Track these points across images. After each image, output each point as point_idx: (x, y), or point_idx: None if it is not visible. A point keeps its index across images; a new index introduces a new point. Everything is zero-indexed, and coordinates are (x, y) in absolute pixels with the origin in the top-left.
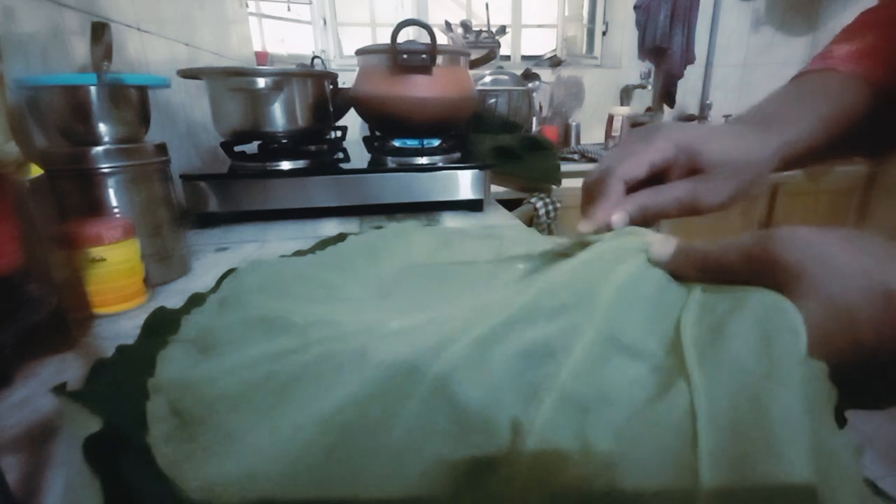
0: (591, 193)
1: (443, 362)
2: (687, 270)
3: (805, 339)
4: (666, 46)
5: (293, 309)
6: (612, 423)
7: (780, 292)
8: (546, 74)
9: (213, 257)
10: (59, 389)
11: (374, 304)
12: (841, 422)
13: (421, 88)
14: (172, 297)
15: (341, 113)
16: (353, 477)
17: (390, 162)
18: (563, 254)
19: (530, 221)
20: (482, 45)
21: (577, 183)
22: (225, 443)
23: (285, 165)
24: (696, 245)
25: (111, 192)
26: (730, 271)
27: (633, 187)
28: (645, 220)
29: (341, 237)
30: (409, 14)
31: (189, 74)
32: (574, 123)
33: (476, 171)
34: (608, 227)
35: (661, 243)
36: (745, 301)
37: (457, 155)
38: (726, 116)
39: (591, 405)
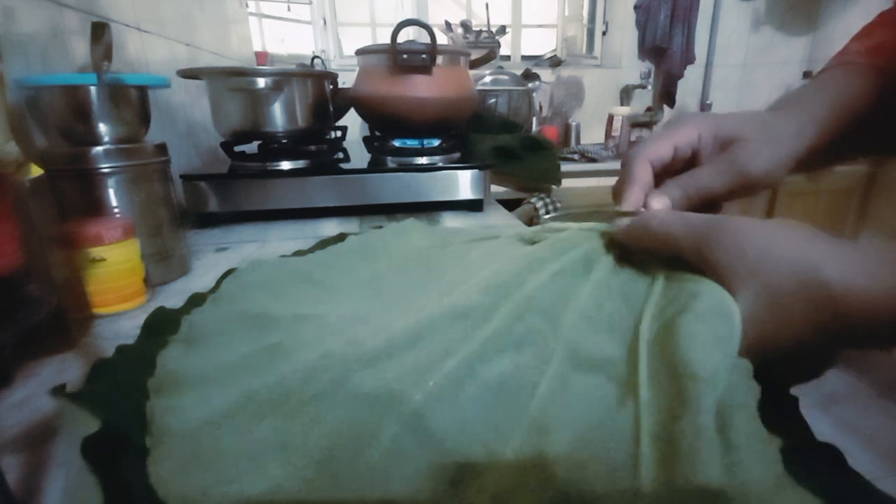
0: (622, 178)
1: (418, 398)
2: (638, 241)
3: (738, 339)
4: (666, 46)
5: (286, 307)
6: (567, 442)
7: (721, 279)
8: (546, 74)
9: (213, 257)
10: (59, 390)
11: (365, 305)
12: (791, 401)
13: (421, 88)
14: (172, 297)
15: (341, 113)
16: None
17: (390, 162)
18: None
19: (530, 221)
20: (482, 45)
21: (578, 183)
22: (204, 463)
23: (285, 165)
24: (650, 220)
25: (111, 192)
26: (679, 254)
27: (668, 176)
28: (689, 202)
29: (341, 237)
30: (409, 14)
31: (189, 74)
32: (574, 123)
33: (476, 171)
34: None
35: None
36: (696, 300)
37: (457, 155)
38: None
39: (552, 427)
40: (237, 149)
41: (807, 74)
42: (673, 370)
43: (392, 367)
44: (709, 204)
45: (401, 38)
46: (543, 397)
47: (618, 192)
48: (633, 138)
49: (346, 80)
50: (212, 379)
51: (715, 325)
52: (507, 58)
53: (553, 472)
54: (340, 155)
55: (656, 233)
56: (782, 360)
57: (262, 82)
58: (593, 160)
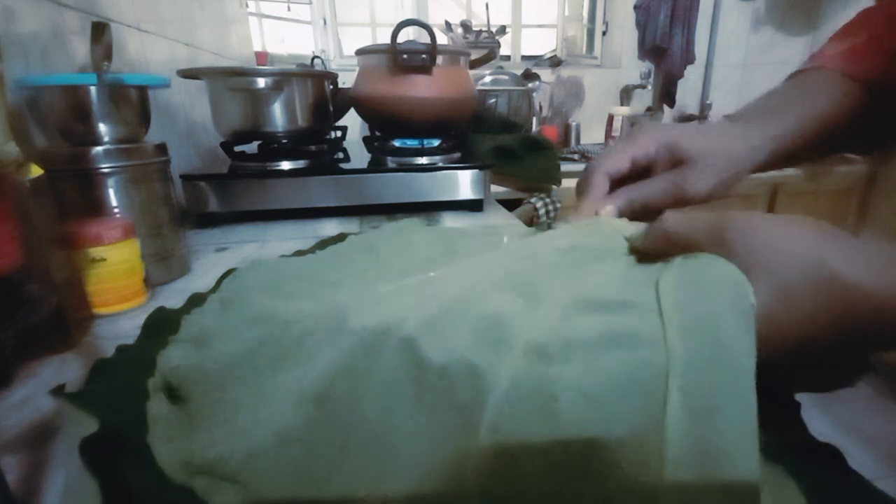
0: (581, 190)
1: (410, 325)
2: (660, 247)
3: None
4: (666, 46)
5: (289, 307)
6: (577, 376)
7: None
8: (546, 74)
9: (213, 257)
10: (58, 391)
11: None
12: (793, 406)
13: (421, 88)
14: (172, 297)
15: (341, 113)
16: (337, 450)
17: (390, 162)
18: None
19: (530, 221)
20: (482, 45)
21: None
22: (213, 421)
23: (285, 165)
24: (665, 225)
25: (111, 192)
26: (697, 250)
27: (625, 184)
28: (633, 211)
29: (341, 237)
30: (409, 14)
31: (189, 74)
32: (574, 123)
33: (476, 171)
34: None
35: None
36: (712, 270)
37: (457, 155)
38: (726, 116)
39: (555, 356)
40: (237, 149)
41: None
42: (702, 327)
43: (393, 303)
44: (651, 212)
45: (401, 38)
46: (543, 322)
47: (578, 197)
48: None
49: (346, 80)
50: (224, 338)
51: (736, 293)
52: (507, 58)
53: (566, 426)
54: (340, 155)
55: (676, 238)
56: (803, 365)
57: (262, 82)
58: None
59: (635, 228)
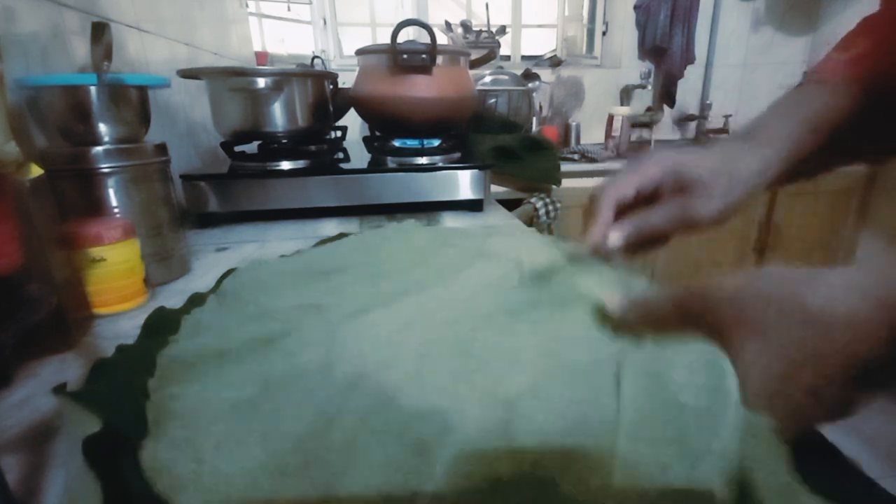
0: (587, 218)
1: (391, 372)
2: (635, 321)
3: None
4: (666, 46)
5: (287, 303)
6: (536, 420)
7: (718, 339)
8: (546, 74)
9: (213, 257)
10: (59, 390)
11: (365, 301)
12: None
13: (421, 88)
14: (172, 297)
15: (341, 113)
16: (311, 476)
17: (390, 162)
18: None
19: (530, 221)
20: (482, 45)
21: (577, 183)
22: (193, 447)
23: (285, 165)
24: (638, 298)
25: (111, 192)
26: (670, 321)
27: (631, 210)
28: (641, 238)
29: (341, 237)
30: (409, 14)
31: (189, 74)
32: (574, 123)
33: (476, 171)
34: (605, 248)
35: (612, 299)
36: (684, 352)
37: (457, 155)
38: (726, 116)
39: (516, 401)
40: (237, 149)
41: (807, 75)
42: (664, 394)
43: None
44: (659, 238)
45: (401, 38)
46: (513, 383)
47: (585, 225)
48: (633, 138)
49: (346, 80)
50: (210, 369)
51: (708, 376)
52: (507, 58)
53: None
54: (340, 155)
55: (650, 312)
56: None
57: (262, 82)
58: (593, 160)
59: (611, 288)
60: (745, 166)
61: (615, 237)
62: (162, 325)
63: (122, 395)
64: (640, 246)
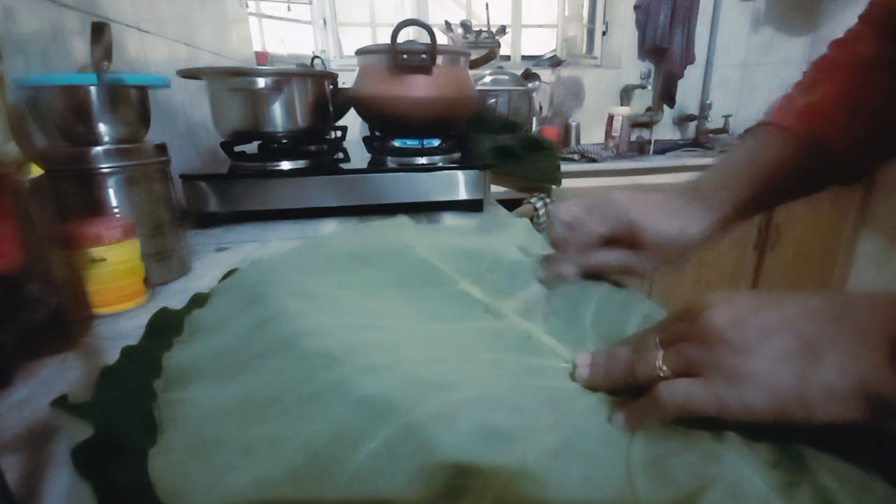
0: (555, 249)
1: (417, 412)
2: (602, 384)
3: None
4: (666, 46)
5: (289, 301)
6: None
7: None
8: (546, 74)
9: (213, 257)
10: (60, 402)
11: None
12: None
13: (421, 88)
14: (172, 297)
15: (341, 113)
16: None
17: (390, 162)
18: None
19: (530, 221)
20: (482, 45)
21: (577, 183)
22: (202, 456)
23: (285, 165)
24: (604, 360)
25: (111, 192)
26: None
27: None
28: (587, 273)
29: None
30: (409, 14)
31: (189, 74)
32: (574, 123)
33: (476, 171)
34: (562, 275)
35: (582, 362)
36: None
37: (457, 155)
38: (726, 116)
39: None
40: (237, 149)
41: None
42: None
43: (391, 377)
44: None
45: (401, 38)
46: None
47: (546, 260)
48: (633, 138)
49: (346, 80)
50: (217, 372)
51: None
52: (507, 58)
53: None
54: (340, 155)
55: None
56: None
57: (262, 82)
58: (593, 160)
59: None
60: (693, 228)
61: (567, 270)
62: (165, 327)
63: (127, 399)
64: (586, 277)
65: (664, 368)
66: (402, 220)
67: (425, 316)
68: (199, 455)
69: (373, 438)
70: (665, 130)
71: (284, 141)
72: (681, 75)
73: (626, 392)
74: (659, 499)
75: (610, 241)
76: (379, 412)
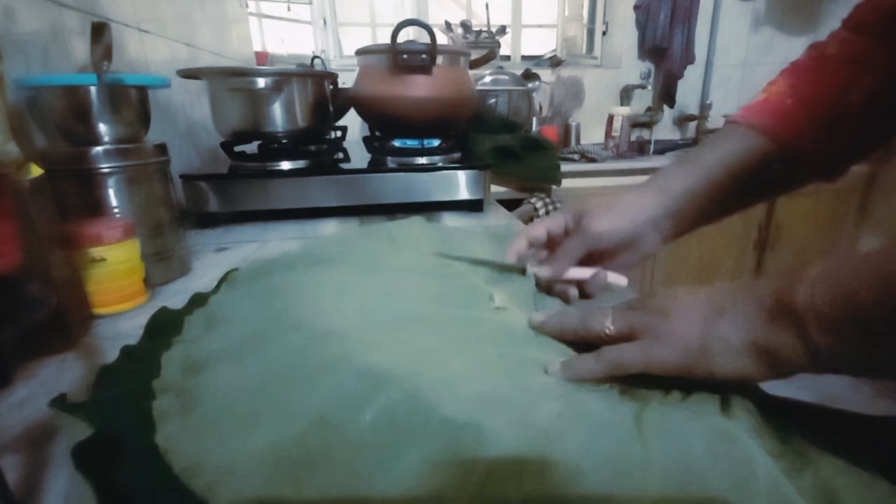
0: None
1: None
2: (551, 330)
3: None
4: (666, 46)
5: (300, 289)
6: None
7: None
8: (546, 74)
9: (213, 257)
10: (58, 402)
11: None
12: None
13: (421, 88)
14: (172, 297)
15: (341, 113)
16: (325, 466)
17: (390, 162)
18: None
19: (530, 221)
20: (482, 45)
21: (577, 183)
22: (213, 430)
23: (285, 165)
24: (558, 313)
25: (111, 192)
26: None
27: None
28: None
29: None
30: (409, 14)
31: (189, 74)
32: (574, 123)
33: (476, 171)
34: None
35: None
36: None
37: (457, 155)
38: (726, 116)
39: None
40: (237, 149)
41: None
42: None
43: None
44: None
45: (401, 38)
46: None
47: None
48: (633, 138)
49: (346, 80)
50: (232, 356)
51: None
52: (507, 58)
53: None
54: (340, 155)
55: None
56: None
57: (262, 82)
58: (593, 160)
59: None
60: (628, 225)
61: (544, 270)
62: (165, 326)
63: (126, 399)
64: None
65: (610, 327)
66: (417, 221)
67: (437, 301)
68: (212, 427)
69: (375, 403)
70: (665, 130)
71: (284, 141)
72: (681, 75)
73: (624, 381)
74: (667, 456)
75: (588, 258)
76: (381, 380)
